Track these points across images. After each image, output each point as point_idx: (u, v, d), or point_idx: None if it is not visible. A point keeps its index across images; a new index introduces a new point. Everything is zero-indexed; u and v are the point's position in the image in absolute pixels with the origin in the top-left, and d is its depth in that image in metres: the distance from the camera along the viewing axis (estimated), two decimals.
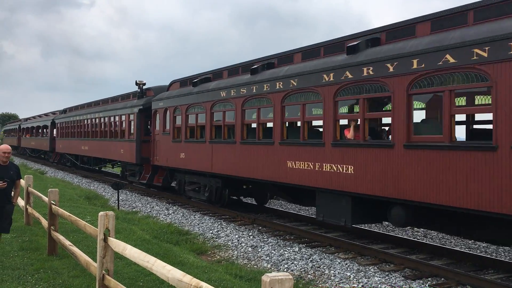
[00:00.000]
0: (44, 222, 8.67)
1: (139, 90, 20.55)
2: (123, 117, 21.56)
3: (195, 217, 13.96)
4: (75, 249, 7.04)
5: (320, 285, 7.98)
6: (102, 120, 24.82)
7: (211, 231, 12.02)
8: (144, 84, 20.62)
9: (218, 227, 12.48)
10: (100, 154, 24.94)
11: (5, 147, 8.08)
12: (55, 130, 35.30)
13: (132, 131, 20.43)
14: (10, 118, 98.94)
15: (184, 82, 16.95)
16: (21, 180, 8.85)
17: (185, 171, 16.04)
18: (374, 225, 12.08)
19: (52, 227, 8.10)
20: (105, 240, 5.37)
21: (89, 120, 27.02)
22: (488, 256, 9.06)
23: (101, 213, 5.49)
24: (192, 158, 15.18)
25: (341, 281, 8.02)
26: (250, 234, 11.57)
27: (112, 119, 23.25)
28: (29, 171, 28.54)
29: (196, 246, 10.46)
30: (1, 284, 6.39)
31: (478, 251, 9.87)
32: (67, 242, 7.42)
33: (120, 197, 16.80)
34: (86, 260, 6.31)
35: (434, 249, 9.41)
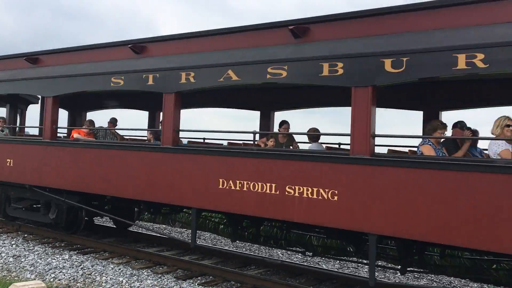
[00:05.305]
0: None
1: None
2: None
3: None
4: None
5: None
6: None
7: None
8: None
9: None
10: None
11: None
12: None
13: None
14: None
15: None
16: None
17: None
18: (153, 228, 12.18)
19: None
20: None
21: None
22: (252, 254, 10.01)
23: None
24: None
25: (112, 287, 7.82)
26: (12, 242, 10.38)
27: None
28: None
29: None
30: None
31: (244, 249, 10.84)
32: None
33: None
34: None
35: (207, 251, 9.90)
